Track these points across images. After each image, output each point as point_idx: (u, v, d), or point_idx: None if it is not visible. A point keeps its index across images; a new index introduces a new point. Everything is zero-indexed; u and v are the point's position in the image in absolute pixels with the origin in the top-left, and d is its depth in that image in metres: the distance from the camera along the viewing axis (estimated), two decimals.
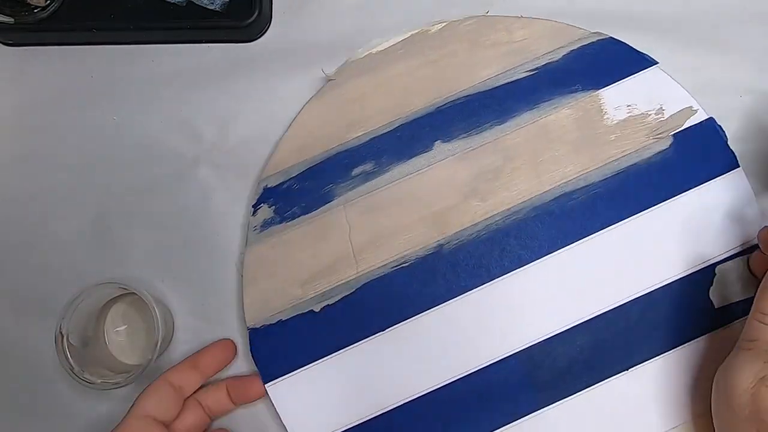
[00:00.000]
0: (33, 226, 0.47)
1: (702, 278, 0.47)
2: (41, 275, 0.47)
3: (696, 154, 0.49)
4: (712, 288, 0.47)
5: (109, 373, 0.43)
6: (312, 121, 0.50)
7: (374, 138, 0.50)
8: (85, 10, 0.46)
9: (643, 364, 0.47)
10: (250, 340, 0.47)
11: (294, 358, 0.47)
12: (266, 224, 0.49)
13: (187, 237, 0.48)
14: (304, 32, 0.49)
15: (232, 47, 0.48)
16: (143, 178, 0.48)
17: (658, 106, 0.49)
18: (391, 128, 0.50)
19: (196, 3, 0.45)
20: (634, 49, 0.50)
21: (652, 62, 0.50)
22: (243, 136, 0.49)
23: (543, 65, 0.50)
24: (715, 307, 0.47)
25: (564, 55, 0.51)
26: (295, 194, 0.49)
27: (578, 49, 0.51)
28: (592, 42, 0.51)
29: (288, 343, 0.47)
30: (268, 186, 0.49)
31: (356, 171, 0.49)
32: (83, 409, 0.46)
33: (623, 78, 0.50)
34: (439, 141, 0.50)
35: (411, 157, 0.50)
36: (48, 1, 0.45)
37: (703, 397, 0.46)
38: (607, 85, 0.50)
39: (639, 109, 0.50)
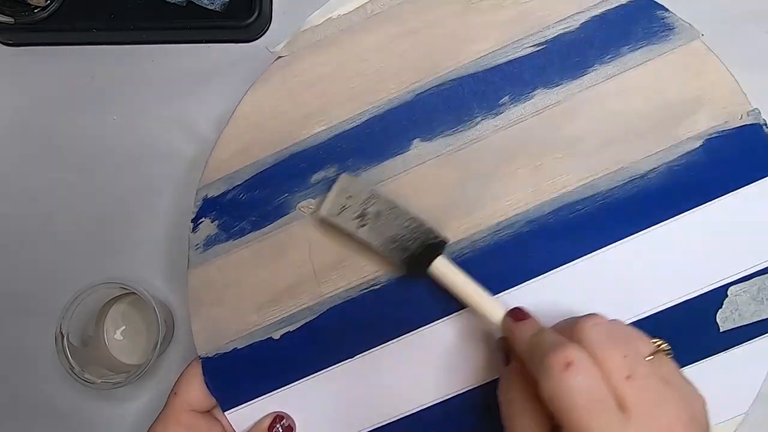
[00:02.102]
0: (33, 226, 0.44)
1: (712, 299, 0.38)
2: (41, 275, 0.43)
3: (731, 156, 0.36)
4: (720, 310, 0.38)
5: (109, 373, 0.40)
6: (258, 113, 0.36)
7: (337, 135, 0.36)
8: (85, 10, 0.42)
9: None
10: (203, 369, 0.39)
11: (254, 387, 0.39)
12: (210, 242, 0.37)
13: (187, 236, 0.39)
14: None
15: (232, 47, 0.44)
16: (143, 178, 0.43)
17: (697, 98, 0.36)
18: (359, 122, 0.36)
19: (196, 3, 0.42)
20: (675, 15, 0.35)
21: (694, 33, 0.35)
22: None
23: (554, 37, 0.35)
24: (720, 330, 0.39)
25: (582, 23, 0.35)
26: (242, 206, 0.37)
27: (601, 14, 0.35)
28: (622, 4, 0.35)
29: (246, 372, 0.38)
30: (209, 196, 0.37)
31: (316, 177, 0.37)
32: (83, 409, 0.43)
33: (657, 55, 0.35)
34: (418, 139, 0.36)
35: (383, 160, 0.36)
36: (48, 1, 0.42)
37: None
38: (636, 65, 0.36)
39: (672, 100, 0.36)
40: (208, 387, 0.37)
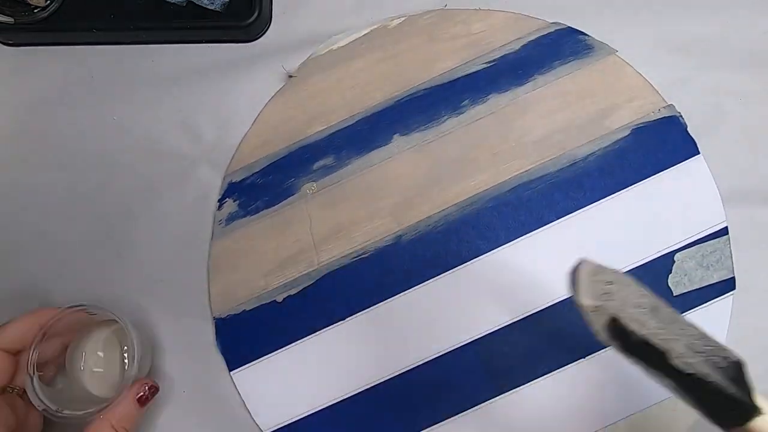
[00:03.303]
0: (32, 225, 0.42)
1: (661, 266, 0.41)
2: (41, 274, 0.41)
3: (656, 141, 0.42)
4: (671, 275, 0.41)
5: (86, 404, 0.35)
6: (275, 117, 0.45)
7: (334, 132, 0.44)
8: (85, 10, 0.41)
9: (599, 352, 0.41)
10: (216, 329, 0.43)
11: (258, 347, 0.42)
12: (231, 218, 0.44)
13: (187, 236, 0.42)
14: (304, 32, 0.43)
15: (232, 47, 0.43)
16: (143, 178, 0.42)
17: (619, 97, 0.43)
18: (351, 122, 0.44)
19: (196, 3, 0.40)
20: (593, 37, 0.44)
21: (610, 51, 0.44)
22: (242, 135, 0.43)
23: (501, 57, 0.44)
24: (674, 294, 0.41)
25: (522, 46, 0.44)
26: (258, 188, 0.44)
27: (536, 39, 0.44)
28: (551, 32, 0.44)
29: (252, 332, 0.42)
30: (233, 181, 0.44)
31: (317, 165, 0.44)
32: None
33: (583, 66, 0.43)
34: (397, 134, 0.44)
35: (370, 151, 0.44)
36: (48, 1, 0.40)
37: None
38: (567, 74, 0.43)
39: (599, 100, 0.43)
40: (218, 346, 0.41)
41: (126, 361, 0.37)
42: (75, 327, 0.36)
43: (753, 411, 0.23)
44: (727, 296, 0.39)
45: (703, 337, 0.24)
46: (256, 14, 0.41)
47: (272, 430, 0.40)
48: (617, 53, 0.41)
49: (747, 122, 0.41)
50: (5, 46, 0.43)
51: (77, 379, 0.37)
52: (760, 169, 0.40)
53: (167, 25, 0.41)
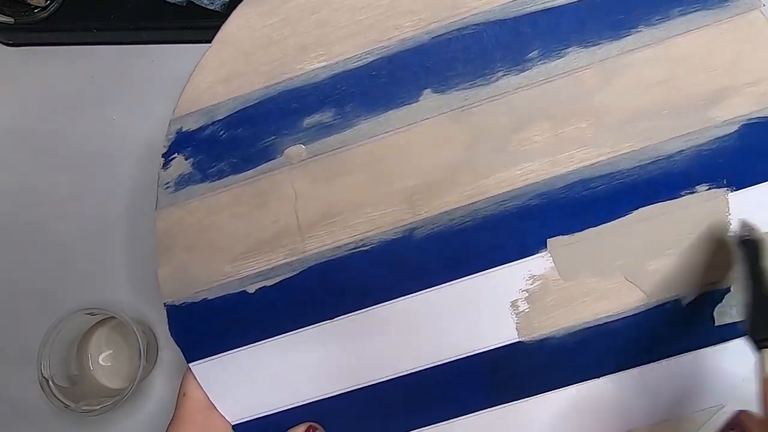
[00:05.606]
0: (32, 225, 0.40)
1: (713, 295, 0.33)
2: (40, 274, 0.40)
3: (764, 145, 0.30)
4: (719, 305, 0.33)
5: (102, 398, 0.36)
6: (247, 38, 0.28)
7: (338, 74, 0.28)
8: (85, 10, 0.40)
9: (608, 376, 0.34)
10: (168, 317, 0.32)
11: (223, 341, 0.32)
12: (183, 182, 0.30)
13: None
14: None
15: None
16: (143, 178, 0.39)
17: (744, 76, 0.29)
18: (365, 62, 0.28)
19: (196, 3, 0.39)
20: None
21: (754, 3, 0.28)
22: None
23: None
24: (715, 324, 0.34)
25: None
26: (222, 145, 0.29)
27: None
28: None
29: (216, 324, 0.32)
30: (184, 129, 0.29)
31: (309, 121, 0.29)
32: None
33: (710, 23, 0.28)
34: (429, 90, 0.29)
35: (388, 110, 0.29)
36: (48, 1, 0.39)
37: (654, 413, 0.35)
38: (684, 32, 0.28)
39: (717, 76, 0.29)
40: (171, 335, 0.31)
41: (134, 353, 0.37)
42: (78, 328, 0.38)
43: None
44: None
45: None
46: None
47: (236, 422, 0.32)
48: (763, 8, 0.26)
49: None
50: (5, 46, 0.42)
51: (90, 376, 0.38)
52: None
53: (167, 25, 0.40)
